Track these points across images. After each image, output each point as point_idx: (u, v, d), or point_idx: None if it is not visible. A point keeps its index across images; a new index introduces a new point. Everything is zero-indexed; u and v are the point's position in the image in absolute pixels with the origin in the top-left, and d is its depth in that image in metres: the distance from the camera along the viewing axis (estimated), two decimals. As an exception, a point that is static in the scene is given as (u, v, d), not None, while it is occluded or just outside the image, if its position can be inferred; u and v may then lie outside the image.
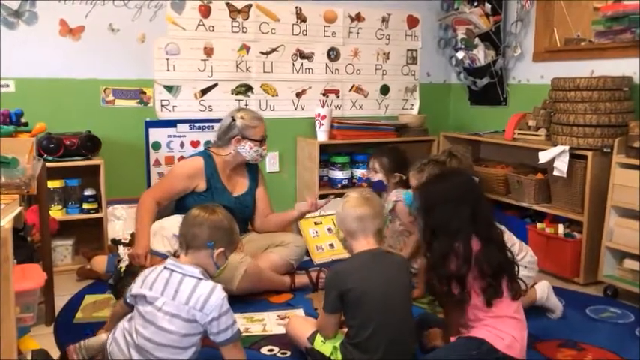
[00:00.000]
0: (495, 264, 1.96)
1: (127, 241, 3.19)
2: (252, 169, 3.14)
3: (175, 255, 2.63)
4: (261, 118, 3.05)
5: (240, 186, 3.07)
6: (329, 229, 3.54)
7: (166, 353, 1.85)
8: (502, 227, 2.44)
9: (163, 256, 2.63)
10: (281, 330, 2.37)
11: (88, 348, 2.05)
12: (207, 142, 3.56)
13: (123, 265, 2.64)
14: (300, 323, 2.23)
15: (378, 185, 3.14)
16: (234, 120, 2.98)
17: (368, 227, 2.08)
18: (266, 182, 3.28)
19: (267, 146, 3.85)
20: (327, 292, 2.06)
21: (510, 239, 2.48)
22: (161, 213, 2.89)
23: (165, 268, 1.96)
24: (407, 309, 2.07)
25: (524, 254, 2.54)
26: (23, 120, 2.77)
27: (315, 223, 3.56)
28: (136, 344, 1.87)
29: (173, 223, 2.72)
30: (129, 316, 1.98)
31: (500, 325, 1.97)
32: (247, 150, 2.97)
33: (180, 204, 2.94)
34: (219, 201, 2.88)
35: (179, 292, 1.87)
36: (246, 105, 3.80)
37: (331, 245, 3.45)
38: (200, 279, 1.91)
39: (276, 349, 2.27)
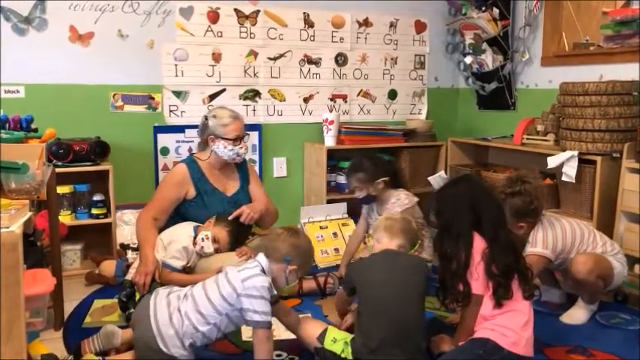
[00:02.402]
0: (502, 265, 2.05)
1: (135, 246, 3.20)
2: (241, 167, 3.09)
3: (184, 269, 2.67)
4: (235, 116, 2.94)
5: (231, 186, 3.02)
6: (334, 234, 3.54)
7: (195, 313, 2.00)
8: (588, 225, 2.66)
9: (177, 270, 2.64)
10: (289, 335, 2.36)
11: (103, 337, 2.14)
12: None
13: (129, 277, 2.64)
14: (310, 324, 2.23)
15: (365, 200, 3.00)
16: (207, 119, 2.94)
17: (395, 236, 2.22)
18: (258, 176, 3.26)
19: (275, 151, 3.92)
20: (344, 281, 2.35)
21: (602, 238, 2.61)
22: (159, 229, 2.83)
23: None
24: (414, 305, 2.08)
25: (617, 250, 2.61)
26: (33, 126, 2.79)
27: (320, 227, 3.55)
28: (186, 295, 2.06)
29: (180, 235, 2.72)
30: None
31: (505, 321, 2.01)
32: (222, 149, 2.90)
33: (176, 214, 2.89)
34: (213, 203, 2.90)
35: (242, 265, 2.12)
36: (253, 110, 3.82)
37: (336, 250, 3.44)
38: (259, 265, 2.07)
39: (285, 354, 2.26)
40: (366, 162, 3.00)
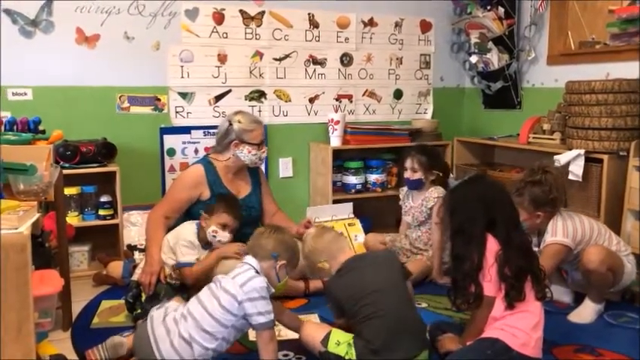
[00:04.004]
0: (515, 267, 2.03)
1: (143, 247, 3.21)
2: (253, 171, 3.12)
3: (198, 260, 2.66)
4: (258, 122, 3.01)
5: (243, 188, 3.05)
6: (340, 234, 3.52)
7: (200, 332, 1.96)
8: (603, 225, 2.66)
9: (193, 264, 2.63)
10: (296, 335, 2.36)
11: (109, 347, 2.13)
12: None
13: (135, 277, 2.65)
14: (313, 328, 2.23)
15: (415, 183, 3.18)
16: (231, 124, 2.94)
17: (343, 244, 2.32)
18: (268, 182, 3.33)
19: (280, 152, 3.93)
20: (331, 308, 2.28)
21: (616, 237, 2.65)
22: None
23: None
24: (404, 294, 2.15)
25: (629, 252, 2.63)
26: (41, 128, 2.80)
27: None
28: (184, 315, 2.00)
29: (184, 232, 2.72)
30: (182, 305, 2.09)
31: (515, 322, 2.00)
32: (245, 154, 2.93)
33: (187, 214, 2.89)
34: None
35: (234, 271, 2.07)
36: (259, 111, 3.82)
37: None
38: (252, 268, 2.06)
39: (291, 354, 2.27)
40: (432, 152, 3.26)
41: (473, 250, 2.06)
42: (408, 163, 3.17)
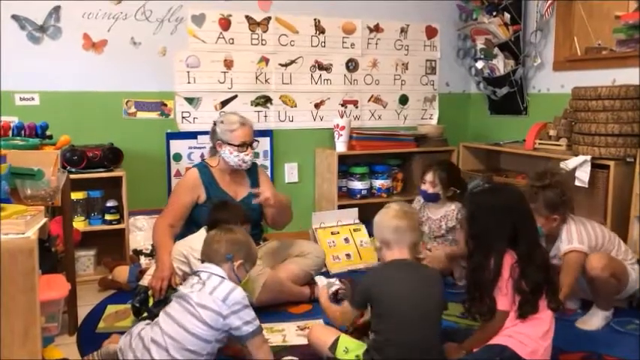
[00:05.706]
0: (533, 283, 1.99)
1: (148, 252, 3.22)
2: (251, 171, 3.11)
3: None
4: (242, 122, 2.95)
5: (241, 190, 3.04)
6: (346, 239, 3.53)
7: (183, 351, 1.91)
8: (612, 233, 2.65)
9: None
10: (301, 341, 2.36)
11: (104, 354, 2.13)
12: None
13: (145, 282, 2.65)
14: (321, 332, 2.21)
15: (432, 197, 3.19)
16: (215, 125, 2.98)
17: (404, 239, 2.09)
18: (269, 178, 3.33)
19: (286, 157, 3.93)
20: (355, 293, 2.12)
21: (624, 245, 2.64)
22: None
23: (195, 273, 2.12)
24: (435, 321, 2.03)
25: (634, 260, 2.62)
26: (48, 133, 2.81)
27: (332, 233, 3.55)
28: (154, 341, 1.93)
29: (199, 241, 2.71)
30: (147, 327, 2.03)
31: (525, 329, 1.98)
32: (228, 155, 2.92)
33: (188, 220, 2.91)
34: None
35: (206, 285, 2.00)
36: (265, 116, 3.83)
37: (348, 255, 3.44)
38: (224, 278, 2.04)
39: (296, 359, 2.26)
40: (453, 169, 3.34)
41: (490, 261, 2.01)
42: (429, 177, 3.17)
